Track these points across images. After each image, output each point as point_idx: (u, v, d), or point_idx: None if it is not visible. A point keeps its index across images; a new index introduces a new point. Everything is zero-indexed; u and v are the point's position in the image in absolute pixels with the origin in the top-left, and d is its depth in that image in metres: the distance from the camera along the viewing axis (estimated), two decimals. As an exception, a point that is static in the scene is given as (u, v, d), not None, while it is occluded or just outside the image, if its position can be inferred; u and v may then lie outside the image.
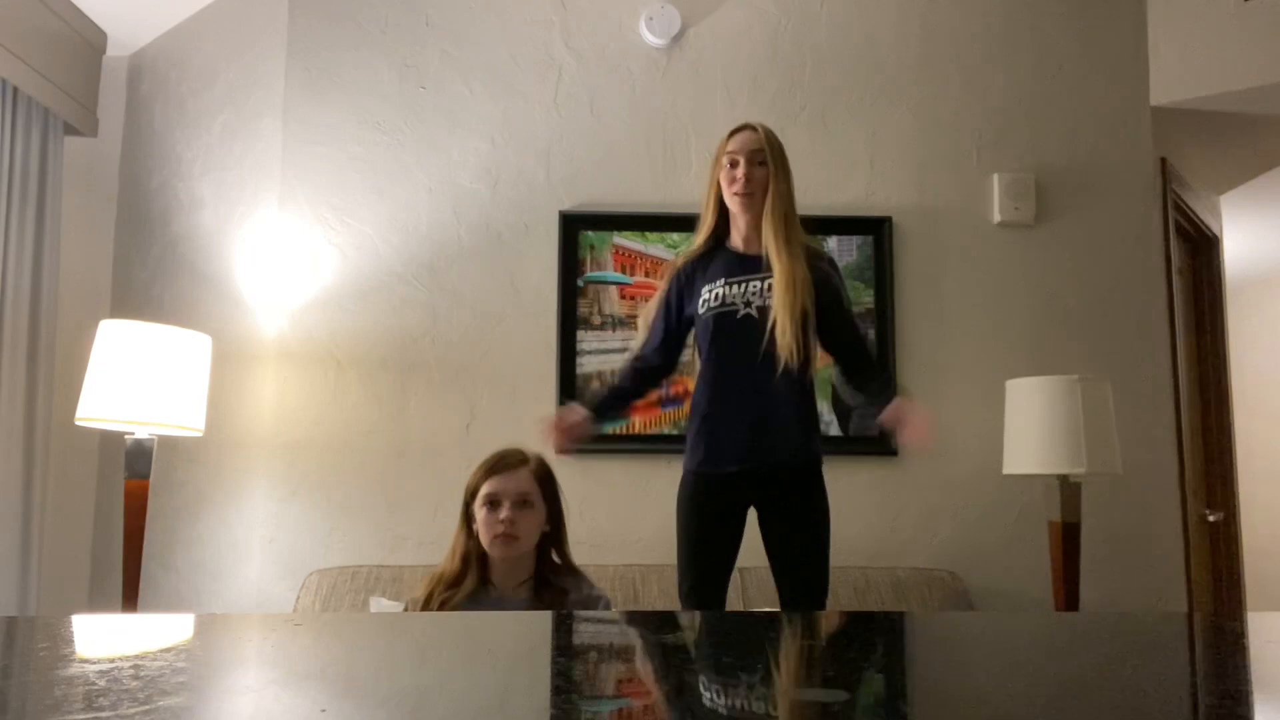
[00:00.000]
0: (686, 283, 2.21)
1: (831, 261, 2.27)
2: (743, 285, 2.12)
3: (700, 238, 2.22)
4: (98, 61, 2.98)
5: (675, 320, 2.23)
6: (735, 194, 2.13)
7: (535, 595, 1.99)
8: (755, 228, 2.15)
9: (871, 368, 2.29)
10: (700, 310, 2.16)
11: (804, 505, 2.11)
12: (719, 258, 2.18)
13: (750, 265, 2.13)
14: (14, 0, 2.59)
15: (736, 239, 2.19)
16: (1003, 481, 2.83)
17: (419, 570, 2.65)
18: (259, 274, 2.91)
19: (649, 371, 2.29)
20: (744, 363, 2.10)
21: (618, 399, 2.32)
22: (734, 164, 2.13)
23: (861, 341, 2.29)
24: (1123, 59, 3.07)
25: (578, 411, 2.19)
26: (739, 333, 2.10)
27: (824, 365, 2.88)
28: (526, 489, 2.01)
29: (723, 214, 2.20)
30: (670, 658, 0.72)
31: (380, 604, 2.53)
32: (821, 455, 2.15)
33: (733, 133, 2.19)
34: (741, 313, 2.11)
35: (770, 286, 2.09)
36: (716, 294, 2.13)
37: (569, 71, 3.01)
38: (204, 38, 3.01)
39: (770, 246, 2.10)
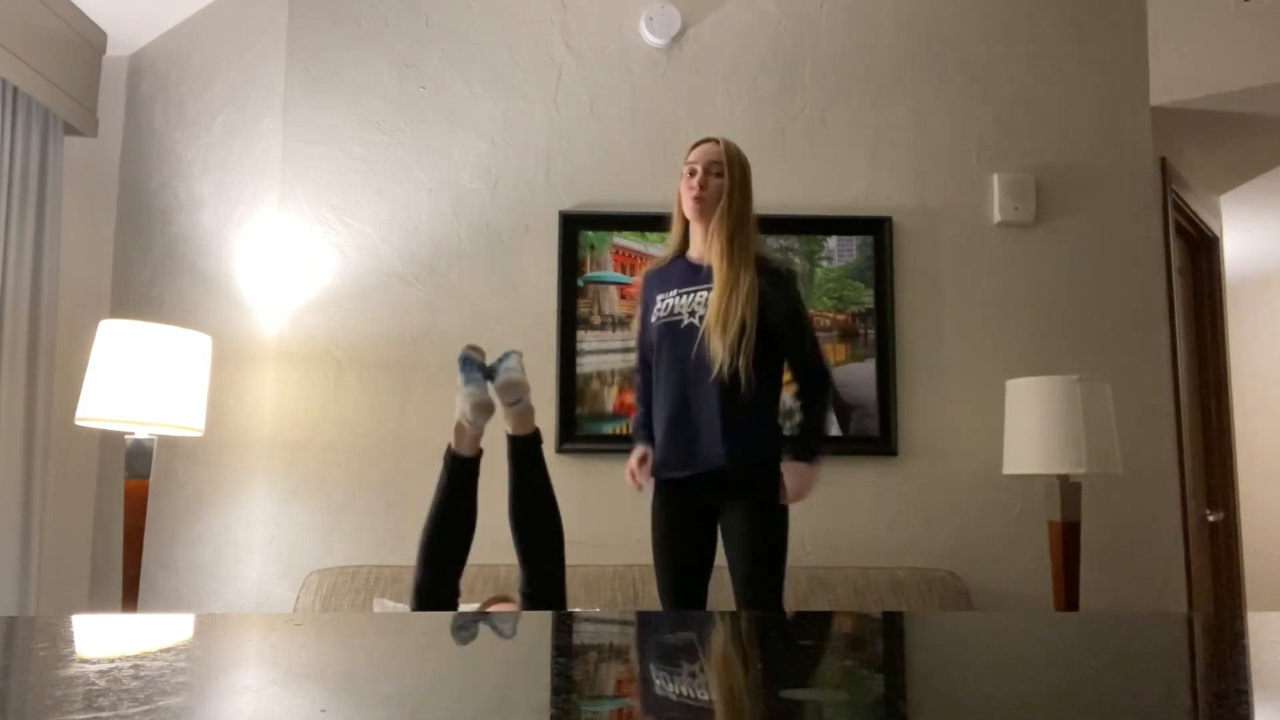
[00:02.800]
0: (650, 292, 2.26)
1: (788, 275, 2.21)
2: (690, 296, 2.16)
3: (669, 250, 2.27)
4: (98, 61, 2.98)
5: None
6: (690, 200, 2.15)
7: None
8: (706, 237, 2.17)
9: (815, 406, 2.21)
10: (653, 319, 2.21)
11: (749, 511, 2.12)
12: (676, 268, 2.22)
13: (702, 276, 2.16)
14: (14, 0, 2.59)
15: (693, 250, 2.22)
16: (1003, 481, 2.83)
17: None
18: (259, 274, 2.91)
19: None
20: (681, 371, 2.14)
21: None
22: (692, 173, 2.16)
23: (813, 368, 2.19)
24: (1123, 59, 3.07)
25: (640, 452, 2.25)
26: (680, 342, 2.14)
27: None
28: None
29: (688, 226, 2.24)
30: (669, 658, 0.72)
31: (384, 605, 2.53)
32: (772, 459, 2.14)
33: (695, 145, 2.21)
34: (685, 322, 2.15)
35: None
36: (667, 304, 2.18)
37: (569, 71, 3.01)
38: (204, 38, 3.01)
39: (713, 255, 2.12)
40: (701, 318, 2.11)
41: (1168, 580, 2.88)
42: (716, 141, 2.19)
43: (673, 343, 2.15)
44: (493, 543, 2.82)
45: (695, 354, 2.10)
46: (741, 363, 2.05)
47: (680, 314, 2.15)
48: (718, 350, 2.06)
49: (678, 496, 2.18)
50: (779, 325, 2.12)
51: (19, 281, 2.59)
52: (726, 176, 2.14)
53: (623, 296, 2.91)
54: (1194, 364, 3.62)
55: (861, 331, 2.91)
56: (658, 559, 2.21)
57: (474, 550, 2.81)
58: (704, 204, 2.14)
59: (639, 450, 2.26)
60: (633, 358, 2.87)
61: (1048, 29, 3.07)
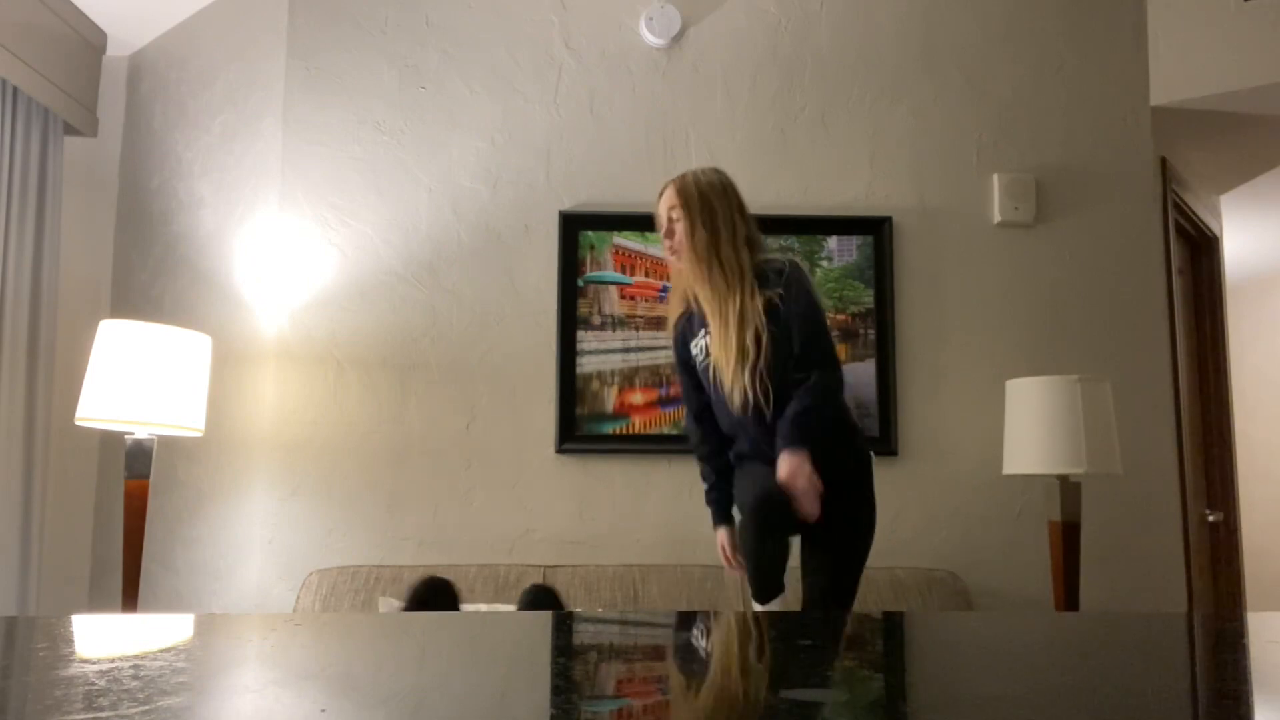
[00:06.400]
0: (683, 344, 2.20)
1: (791, 272, 2.07)
2: (705, 337, 2.14)
3: (675, 297, 2.21)
4: (98, 61, 2.98)
5: (698, 380, 2.19)
6: (669, 255, 2.13)
7: None
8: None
9: (802, 400, 2.01)
10: (699, 365, 2.16)
11: (834, 532, 2.05)
12: (695, 312, 2.17)
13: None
14: (14, 0, 2.59)
15: None
16: (1003, 481, 2.83)
17: (419, 570, 2.65)
18: (259, 274, 2.91)
19: (721, 448, 2.21)
20: (725, 411, 2.11)
21: (728, 490, 2.22)
22: (660, 228, 2.13)
23: (812, 360, 2.03)
24: (1123, 59, 3.07)
25: (723, 534, 2.21)
26: (711, 383, 2.12)
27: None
28: None
29: None
30: (670, 658, 0.72)
31: (389, 605, 2.53)
32: (849, 463, 2.09)
33: (659, 194, 2.15)
34: (703, 362, 2.13)
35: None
36: (702, 346, 2.14)
37: (569, 71, 3.01)
38: (204, 38, 3.01)
39: (696, 298, 2.09)
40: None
41: (1168, 580, 2.88)
42: (671, 183, 2.12)
43: (710, 384, 2.12)
44: (493, 543, 2.83)
45: (721, 393, 2.08)
46: (760, 388, 1.99)
47: (700, 354, 2.14)
48: (733, 384, 2.01)
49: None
50: (781, 340, 2.03)
51: (19, 281, 2.59)
52: (683, 215, 2.07)
53: (623, 296, 2.91)
54: (1194, 364, 3.63)
55: (861, 331, 2.91)
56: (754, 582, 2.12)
57: (474, 551, 2.81)
58: (679, 254, 2.10)
59: (721, 533, 2.21)
60: (634, 359, 2.87)
61: (1048, 29, 3.07)
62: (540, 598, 2.26)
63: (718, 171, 2.14)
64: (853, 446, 2.13)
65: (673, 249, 2.09)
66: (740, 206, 2.11)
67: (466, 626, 0.87)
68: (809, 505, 1.92)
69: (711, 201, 2.08)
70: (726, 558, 2.22)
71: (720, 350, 2.04)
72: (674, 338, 2.24)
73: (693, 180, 2.10)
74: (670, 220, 2.09)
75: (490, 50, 3.01)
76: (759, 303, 2.02)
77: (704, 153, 2.98)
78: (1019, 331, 2.95)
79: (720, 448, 2.20)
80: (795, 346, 2.03)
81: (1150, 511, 2.90)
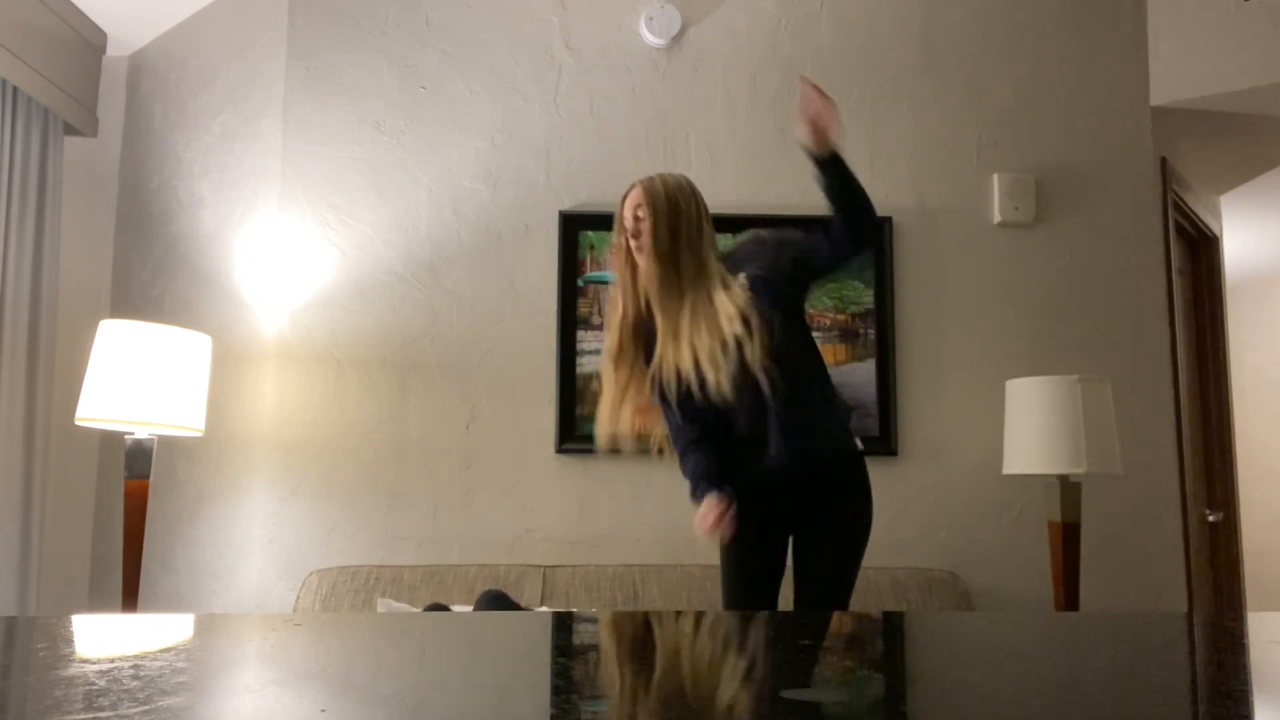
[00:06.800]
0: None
1: (764, 237, 2.15)
2: None
3: (630, 308, 2.13)
4: (98, 61, 2.98)
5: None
6: (638, 255, 2.08)
7: None
8: None
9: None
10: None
11: (836, 521, 2.05)
12: (646, 315, 2.12)
13: None
14: (14, 0, 2.59)
15: None
16: (1003, 481, 2.83)
17: (419, 570, 2.65)
18: (259, 274, 2.91)
19: (715, 434, 2.12)
20: (716, 407, 2.06)
21: (714, 456, 2.12)
22: (624, 229, 2.09)
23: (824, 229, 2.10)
24: (1123, 59, 3.07)
25: (714, 500, 2.02)
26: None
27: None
28: None
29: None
30: (670, 658, 0.72)
31: (388, 605, 2.53)
32: (845, 448, 2.09)
33: (622, 199, 2.12)
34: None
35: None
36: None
37: (569, 71, 3.01)
38: (204, 38, 3.01)
39: (648, 302, 2.05)
40: (696, 361, 2.02)
41: (1168, 580, 2.88)
42: (635, 185, 2.10)
43: (682, 384, 2.05)
44: (493, 543, 2.83)
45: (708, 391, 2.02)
46: (762, 366, 1.96)
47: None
48: (717, 374, 1.96)
49: (749, 505, 2.06)
50: (803, 276, 2.07)
51: (19, 281, 2.59)
52: (648, 215, 2.04)
53: (623, 296, 2.90)
54: (1194, 364, 3.62)
55: (861, 331, 2.91)
56: (728, 572, 2.10)
57: (474, 551, 2.81)
58: (644, 252, 2.06)
59: (714, 498, 2.00)
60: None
61: (1048, 29, 3.07)
62: (497, 602, 2.25)
63: (683, 176, 2.13)
64: (854, 446, 2.15)
65: (639, 248, 2.07)
66: (706, 211, 2.10)
67: (466, 626, 0.87)
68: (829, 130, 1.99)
69: (678, 203, 2.06)
70: (715, 518, 1.98)
71: (691, 349, 2.00)
72: (642, 345, 2.13)
73: (659, 181, 2.09)
74: (636, 220, 2.06)
75: (490, 50, 3.01)
76: (739, 286, 2.00)
77: (704, 153, 2.98)
78: (1019, 331, 2.94)
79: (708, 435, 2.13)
80: (803, 252, 2.10)
81: (1150, 511, 2.90)
